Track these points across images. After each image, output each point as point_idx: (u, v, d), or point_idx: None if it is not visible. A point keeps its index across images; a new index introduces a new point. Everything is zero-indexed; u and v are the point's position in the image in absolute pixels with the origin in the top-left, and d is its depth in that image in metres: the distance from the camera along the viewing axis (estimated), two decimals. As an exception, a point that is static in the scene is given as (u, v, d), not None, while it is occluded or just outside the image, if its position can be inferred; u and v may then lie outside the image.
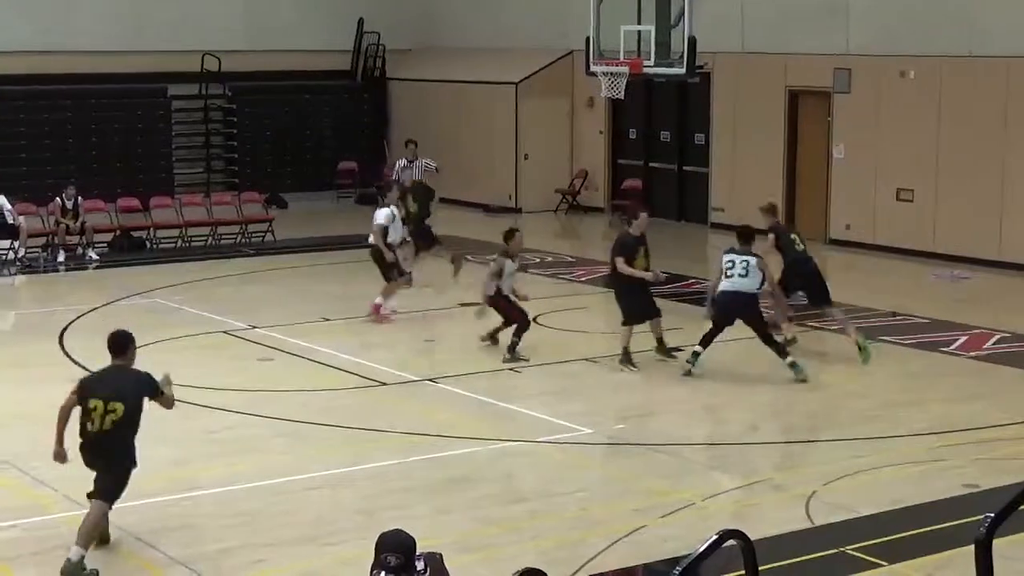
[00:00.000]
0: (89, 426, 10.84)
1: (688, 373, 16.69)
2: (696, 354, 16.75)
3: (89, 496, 10.90)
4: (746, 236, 16.93)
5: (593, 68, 22.11)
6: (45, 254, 25.39)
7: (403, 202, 21.82)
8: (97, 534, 10.84)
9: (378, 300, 19.72)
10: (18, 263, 24.74)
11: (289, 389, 15.99)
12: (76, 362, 17.31)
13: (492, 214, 30.95)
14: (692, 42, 20.54)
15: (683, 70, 21.12)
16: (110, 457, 10.88)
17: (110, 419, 10.77)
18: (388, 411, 15.22)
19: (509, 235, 17.90)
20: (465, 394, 15.98)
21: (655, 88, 29.35)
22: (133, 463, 10.97)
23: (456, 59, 33.21)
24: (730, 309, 16.63)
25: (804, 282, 18.08)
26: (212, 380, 16.13)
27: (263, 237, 27.44)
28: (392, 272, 19.88)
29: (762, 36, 27.46)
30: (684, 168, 30.14)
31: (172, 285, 22.47)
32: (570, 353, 17.89)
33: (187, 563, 10.78)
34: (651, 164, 30.83)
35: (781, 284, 17.73)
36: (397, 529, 7.29)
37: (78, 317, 19.98)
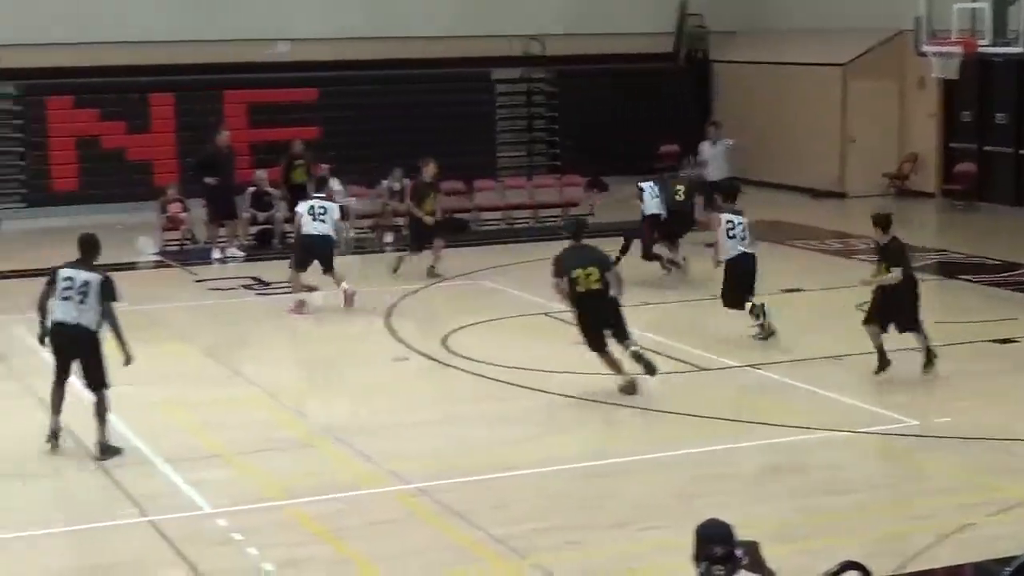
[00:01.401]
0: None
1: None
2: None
3: None
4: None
5: (924, 48, 21.41)
6: (373, 235, 26.08)
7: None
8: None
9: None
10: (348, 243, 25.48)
11: (607, 372, 15.95)
12: (401, 340, 17.71)
13: (818, 198, 30.35)
14: (1031, 19, 19.69)
15: (1022, 48, 20.24)
16: None
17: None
18: (707, 396, 15.03)
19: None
20: (787, 381, 15.66)
21: (991, 67, 28.20)
22: None
23: (781, 41, 32.64)
24: None
25: None
26: (532, 361, 16.22)
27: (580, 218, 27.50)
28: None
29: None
30: (1022, 152, 28.88)
31: (494, 267, 22.76)
32: (892, 343, 17.32)
33: (502, 540, 10.85)
34: (986, 148, 29.64)
35: None
36: (715, 519, 7.14)
37: (403, 297, 20.42)
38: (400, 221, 26.20)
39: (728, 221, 17.35)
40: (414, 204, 22.25)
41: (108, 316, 13.20)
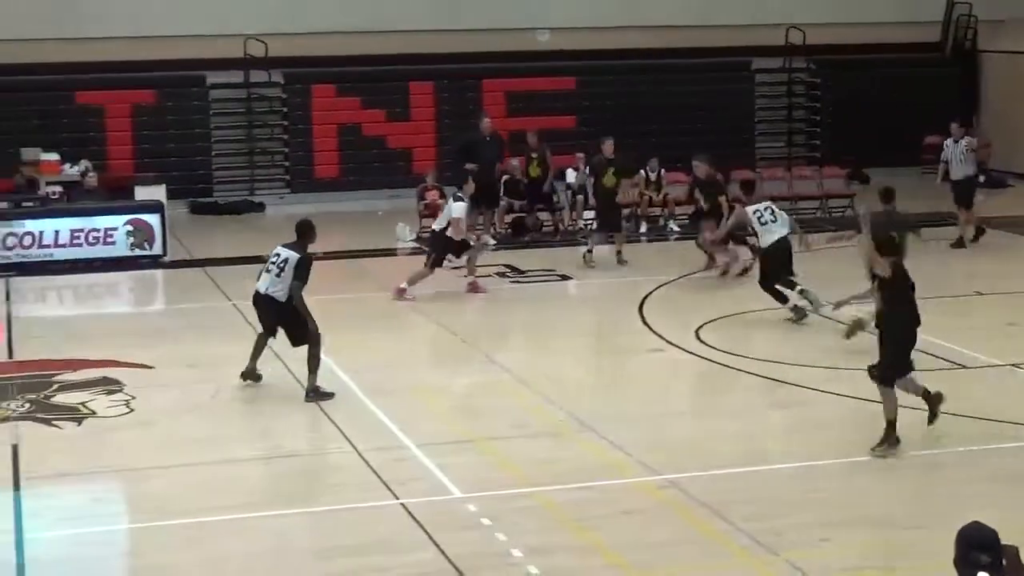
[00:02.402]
0: None
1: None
2: None
3: None
4: None
5: None
6: (629, 224, 25.99)
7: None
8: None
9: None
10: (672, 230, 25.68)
11: (862, 367, 15.52)
12: (655, 331, 17.58)
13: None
14: None
15: None
16: None
17: None
18: (964, 395, 14.48)
19: None
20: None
21: None
22: None
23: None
24: None
25: None
26: (787, 355, 15.93)
27: (843, 212, 26.97)
28: None
29: None
30: None
31: (751, 258, 22.41)
32: None
33: (752, 535, 10.65)
34: None
35: None
36: (980, 522, 6.81)
37: (656, 288, 20.27)
38: (656, 211, 26.13)
39: (755, 212, 18.25)
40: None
41: (293, 293, 14.63)
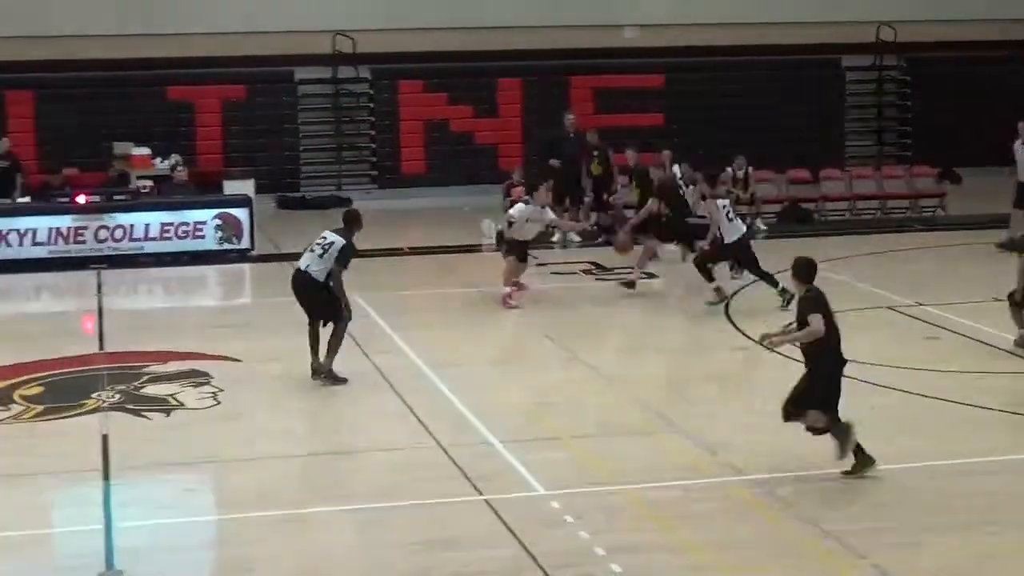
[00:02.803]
0: None
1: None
2: None
3: None
4: None
5: None
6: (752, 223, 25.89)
7: None
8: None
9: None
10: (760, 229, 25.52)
11: (953, 369, 15.38)
12: (740, 330, 17.49)
13: None
14: None
15: None
16: None
17: None
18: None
19: None
20: None
21: None
22: None
23: None
24: None
25: None
26: (876, 356, 15.77)
27: (933, 212, 26.70)
28: None
29: None
30: None
31: (838, 258, 22.22)
32: None
33: (837, 538, 10.55)
34: None
35: None
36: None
37: (744, 287, 20.14)
38: (744, 209, 25.96)
39: (723, 205, 18.97)
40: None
41: (333, 276, 15.06)
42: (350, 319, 15.20)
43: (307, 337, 15.24)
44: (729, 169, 25.88)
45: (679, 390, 15.38)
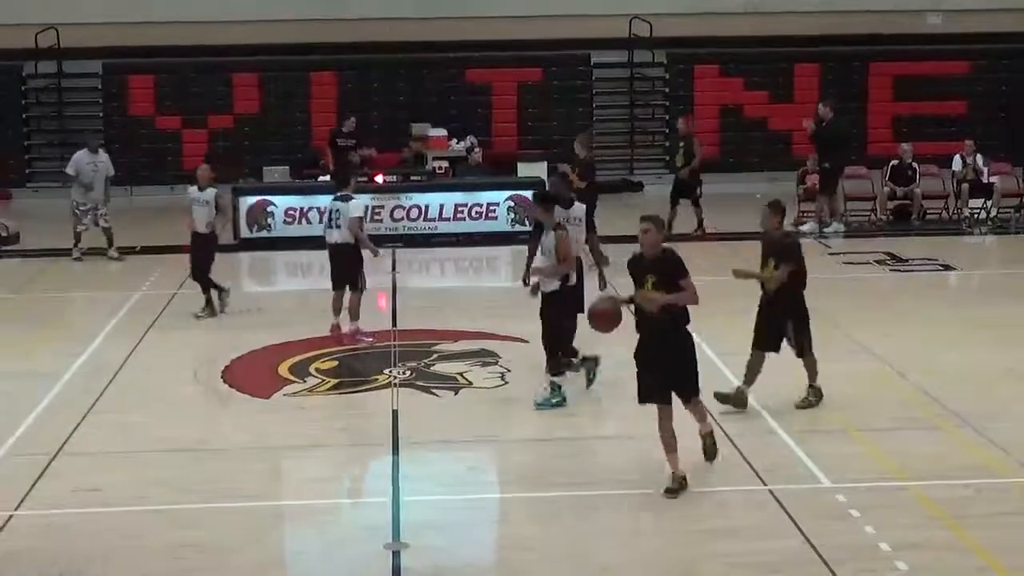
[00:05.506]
0: None
1: None
2: None
3: None
4: None
5: None
6: (1018, 215, 25.01)
7: None
8: None
9: None
10: (990, 222, 24.70)
11: None
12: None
13: None
14: None
15: None
16: None
17: None
18: None
19: None
20: None
21: None
22: None
23: None
24: None
25: None
26: None
27: None
28: None
29: None
30: None
31: None
32: None
33: (899, 548, 10.15)
34: None
35: None
36: None
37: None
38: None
39: None
40: None
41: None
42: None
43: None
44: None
45: (974, 385, 14.82)
